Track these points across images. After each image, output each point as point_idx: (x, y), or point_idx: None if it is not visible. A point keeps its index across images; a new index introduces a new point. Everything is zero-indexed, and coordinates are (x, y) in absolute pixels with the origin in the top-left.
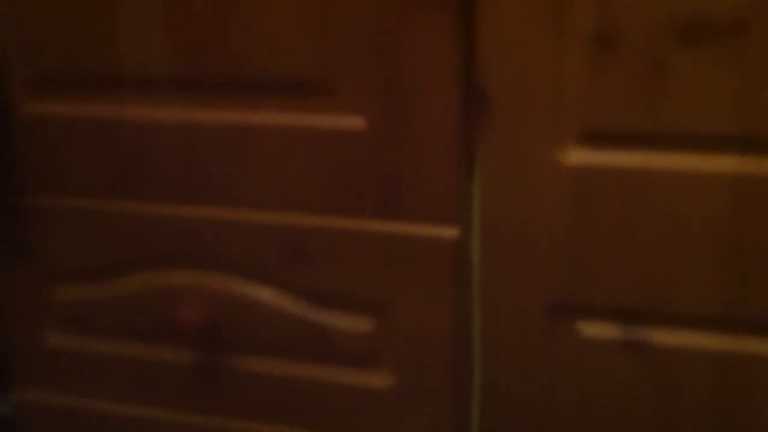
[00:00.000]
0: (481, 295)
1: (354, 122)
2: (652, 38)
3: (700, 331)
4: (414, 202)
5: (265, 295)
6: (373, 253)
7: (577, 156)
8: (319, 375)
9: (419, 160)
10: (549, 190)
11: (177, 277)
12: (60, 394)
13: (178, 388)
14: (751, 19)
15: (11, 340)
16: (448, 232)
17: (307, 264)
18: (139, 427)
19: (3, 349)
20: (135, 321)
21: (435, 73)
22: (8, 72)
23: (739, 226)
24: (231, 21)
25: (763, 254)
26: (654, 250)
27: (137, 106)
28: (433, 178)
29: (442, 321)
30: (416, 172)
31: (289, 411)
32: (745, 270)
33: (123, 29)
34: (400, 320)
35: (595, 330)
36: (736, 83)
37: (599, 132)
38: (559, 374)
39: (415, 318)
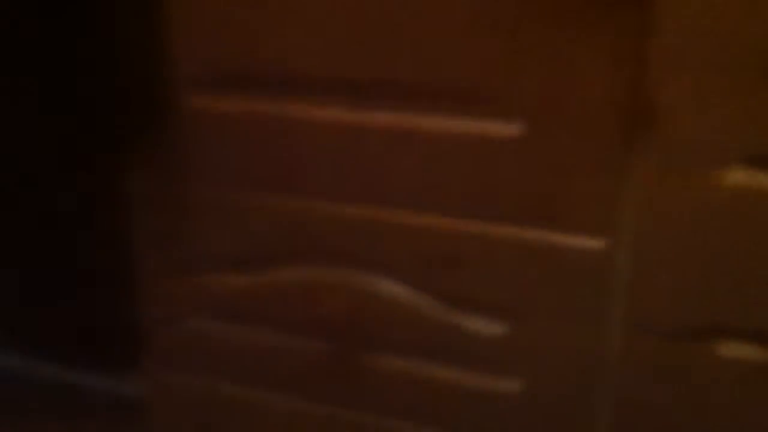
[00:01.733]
0: (626, 310)
1: (509, 130)
2: None
3: None
4: (564, 211)
5: (406, 295)
6: (516, 260)
7: (738, 176)
8: (452, 377)
9: (573, 171)
10: (706, 209)
11: (322, 272)
12: (196, 378)
13: (313, 379)
14: None
15: (153, 323)
16: (597, 245)
17: (449, 267)
18: (272, 415)
19: (138, 331)
20: (277, 312)
21: (599, 82)
22: (175, 66)
23: None
24: (391, 25)
25: None
26: None
27: (297, 104)
28: (586, 188)
29: (580, 332)
30: (569, 182)
31: (421, 410)
32: None
33: (290, 30)
34: (536, 328)
35: (736, 352)
36: None
37: (763, 154)
38: (696, 393)
39: (552, 327)
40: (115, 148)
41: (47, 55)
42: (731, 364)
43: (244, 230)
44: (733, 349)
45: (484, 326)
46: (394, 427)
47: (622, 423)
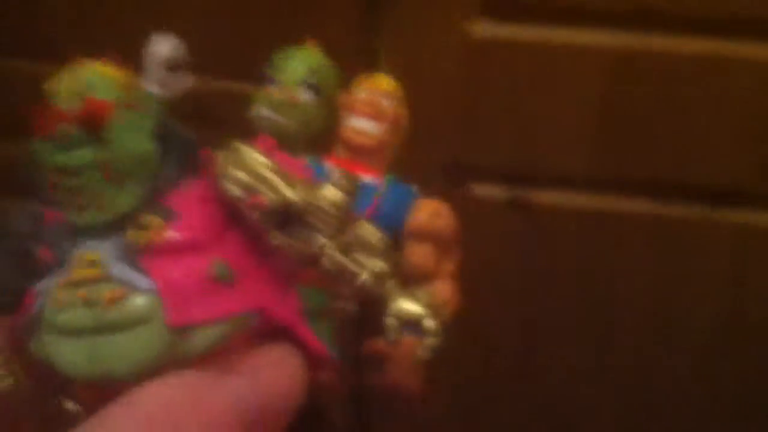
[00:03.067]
0: None
1: None
2: None
3: (574, 191)
4: None
5: None
6: None
7: (480, 29)
8: None
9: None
10: (449, 60)
11: None
12: None
13: None
14: None
15: None
16: None
17: None
18: None
19: None
20: None
21: None
22: None
23: (613, 99)
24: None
25: (631, 125)
26: (537, 118)
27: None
28: None
29: None
30: None
31: None
32: (613, 138)
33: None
34: None
35: (484, 191)
36: None
37: (501, 4)
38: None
39: None
40: None
41: None
42: (481, 201)
43: None
44: (482, 189)
45: None
46: None
47: None
